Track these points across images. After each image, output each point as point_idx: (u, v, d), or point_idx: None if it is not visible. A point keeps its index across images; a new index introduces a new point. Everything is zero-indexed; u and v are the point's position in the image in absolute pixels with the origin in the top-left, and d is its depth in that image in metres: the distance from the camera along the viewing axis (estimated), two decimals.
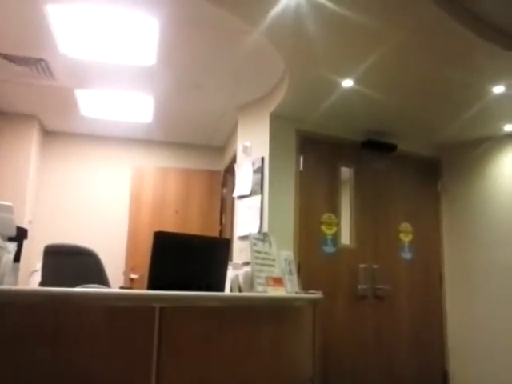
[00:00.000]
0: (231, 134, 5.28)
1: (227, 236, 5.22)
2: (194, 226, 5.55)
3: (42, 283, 2.76)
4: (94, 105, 4.65)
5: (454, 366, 4.77)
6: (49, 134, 5.45)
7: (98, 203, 5.45)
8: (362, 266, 4.48)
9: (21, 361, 1.67)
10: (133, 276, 4.94)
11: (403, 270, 4.74)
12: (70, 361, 1.71)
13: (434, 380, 4.71)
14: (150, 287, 2.11)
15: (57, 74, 3.95)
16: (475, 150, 4.90)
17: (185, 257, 2.28)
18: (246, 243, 4.01)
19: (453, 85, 3.66)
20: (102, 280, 2.48)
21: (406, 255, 4.79)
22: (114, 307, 1.80)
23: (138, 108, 4.71)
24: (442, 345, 4.83)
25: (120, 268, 5.12)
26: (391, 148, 4.72)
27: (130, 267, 5.14)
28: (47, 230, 5.09)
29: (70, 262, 2.54)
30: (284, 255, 3.04)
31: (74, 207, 5.36)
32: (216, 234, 5.58)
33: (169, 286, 2.07)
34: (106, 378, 1.75)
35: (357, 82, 3.64)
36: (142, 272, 4.96)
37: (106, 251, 3.46)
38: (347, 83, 3.67)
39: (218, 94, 4.35)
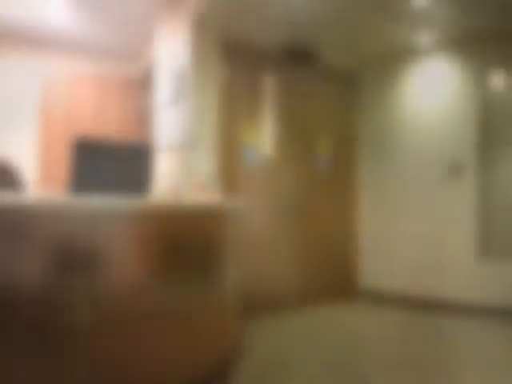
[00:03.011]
0: (150, 39, 4.99)
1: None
2: (111, 136, 5.35)
3: None
4: None
5: (365, 265, 5.26)
6: None
7: (2, 110, 5.01)
8: (282, 175, 4.64)
9: None
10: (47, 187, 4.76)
11: (321, 179, 4.98)
12: None
13: (347, 278, 5.19)
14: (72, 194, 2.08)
15: None
16: (392, 63, 5.07)
17: (107, 163, 2.24)
18: (170, 152, 3.98)
19: None
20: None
21: (324, 165, 5.01)
22: None
23: (47, 6, 4.24)
24: (354, 248, 5.27)
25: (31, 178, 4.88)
26: (314, 59, 4.74)
27: (43, 178, 4.93)
28: None
29: None
30: (207, 164, 3.07)
31: None
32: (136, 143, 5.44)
33: (90, 191, 2.05)
34: None
35: None
36: (58, 183, 4.78)
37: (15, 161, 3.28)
38: None
39: None
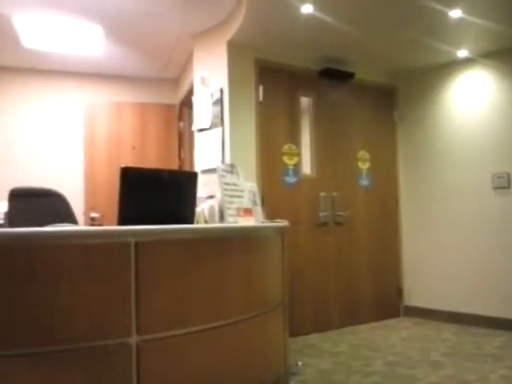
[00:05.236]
0: (186, 65, 5.09)
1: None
2: (151, 162, 5.44)
3: (9, 226, 2.68)
4: (37, 35, 4.30)
5: (408, 282, 5.11)
6: None
7: (50, 142, 5.21)
8: (322, 194, 4.59)
9: None
10: (93, 215, 4.87)
11: (361, 196, 4.91)
12: (47, 300, 1.70)
13: (390, 295, 5.05)
14: (121, 223, 2.09)
15: None
16: (429, 76, 4.98)
17: (154, 191, 2.26)
18: (209, 177, 4.01)
19: (410, 9, 3.62)
20: (71, 220, 2.43)
21: (364, 182, 4.94)
22: (89, 244, 1.78)
23: (87, 40, 4.40)
24: (397, 264, 5.13)
25: (79, 208, 5.00)
26: (349, 76, 4.71)
27: (89, 206, 5.04)
28: None
29: (38, 204, 2.45)
30: (248, 186, 3.06)
31: (24, 147, 5.11)
32: (175, 168, 5.52)
33: (139, 221, 2.06)
34: (86, 315, 1.76)
35: (316, 7, 3.54)
36: (103, 211, 4.89)
37: (63, 192, 3.37)
38: (306, 9, 3.56)
39: (170, 22, 4.12)
